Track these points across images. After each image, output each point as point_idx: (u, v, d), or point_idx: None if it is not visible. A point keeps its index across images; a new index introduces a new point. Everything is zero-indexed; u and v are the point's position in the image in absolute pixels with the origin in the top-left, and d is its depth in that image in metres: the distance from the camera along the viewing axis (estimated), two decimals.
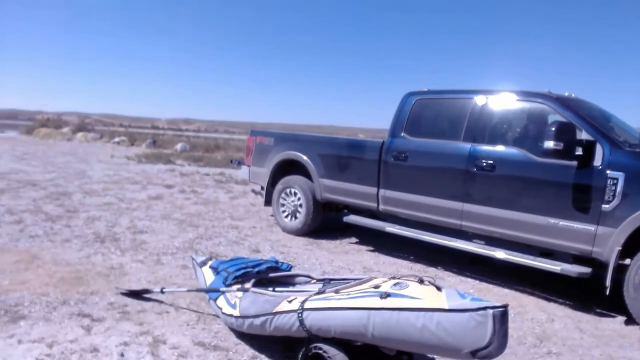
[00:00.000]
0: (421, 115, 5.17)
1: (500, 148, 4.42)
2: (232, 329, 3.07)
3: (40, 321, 3.05)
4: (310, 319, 2.54)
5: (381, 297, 2.41)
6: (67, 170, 10.52)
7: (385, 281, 2.67)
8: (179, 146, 20.38)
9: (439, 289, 2.46)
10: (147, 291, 3.59)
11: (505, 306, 2.16)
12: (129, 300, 3.49)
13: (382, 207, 5.22)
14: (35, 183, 8.40)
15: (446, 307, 2.23)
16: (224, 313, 3.04)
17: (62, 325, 3.01)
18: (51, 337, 2.85)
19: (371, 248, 5.65)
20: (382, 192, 5.18)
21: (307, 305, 2.60)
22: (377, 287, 2.58)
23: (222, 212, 7.15)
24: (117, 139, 22.47)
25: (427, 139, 4.98)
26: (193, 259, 3.91)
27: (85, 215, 6.17)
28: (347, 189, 5.52)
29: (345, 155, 5.65)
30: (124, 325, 3.08)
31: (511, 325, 2.73)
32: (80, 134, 23.60)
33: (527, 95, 4.49)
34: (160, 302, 3.50)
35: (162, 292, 3.51)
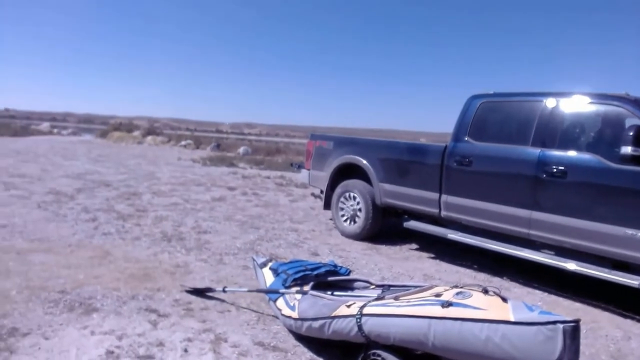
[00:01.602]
0: (486, 118, 5.00)
1: (572, 153, 4.19)
2: (291, 331, 3.09)
3: (111, 314, 3.21)
4: (369, 325, 2.51)
5: (443, 306, 2.35)
6: (138, 172, 11.08)
7: (447, 290, 2.60)
8: (241, 149, 20.92)
9: (504, 300, 2.36)
10: (210, 289, 3.69)
11: (576, 321, 2.04)
12: (193, 297, 3.61)
13: (444, 213, 5.09)
14: (109, 183, 8.91)
15: (512, 319, 2.14)
16: (283, 314, 3.07)
17: (131, 319, 3.16)
18: (121, 329, 2.99)
19: (432, 255, 5.52)
20: (444, 197, 5.05)
21: (366, 310, 2.57)
22: (438, 295, 2.52)
23: (282, 214, 7.25)
24: (183, 142, 23.41)
25: (492, 143, 4.80)
26: (254, 260, 3.99)
27: (153, 214, 6.46)
28: (408, 194, 5.43)
29: (406, 160, 5.57)
30: (188, 322, 3.18)
31: (583, 341, 2.57)
32: (149, 138, 24.78)
33: (601, 97, 4.23)
34: (222, 300, 3.59)
35: (224, 291, 3.60)
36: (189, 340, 2.93)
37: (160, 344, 2.84)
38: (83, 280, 3.78)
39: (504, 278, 4.77)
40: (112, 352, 2.69)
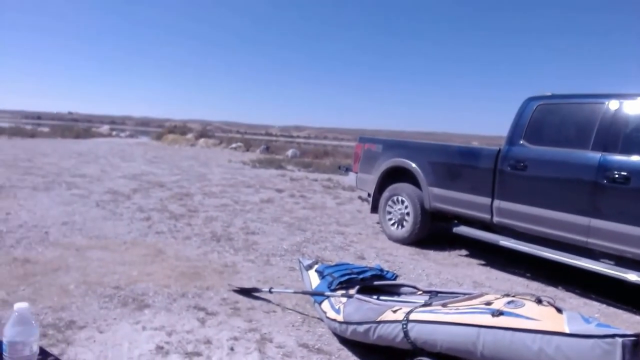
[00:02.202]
0: (543, 121, 4.80)
1: (636, 158, 3.94)
2: (336, 334, 3.07)
3: (162, 311, 3.31)
4: (416, 331, 2.46)
5: (493, 315, 2.27)
6: (190, 173, 11.42)
7: (498, 298, 2.52)
8: (290, 152, 21.13)
9: (559, 310, 2.25)
10: (256, 290, 3.74)
11: (637, 335, 1.91)
12: (240, 297, 3.66)
13: (496, 219, 4.92)
14: (163, 184, 9.22)
15: (567, 331, 2.03)
16: (328, 317, 3.06)
17: (181, 316, 3.24)
18: (171, 326, 3.08)
19: (482, 262, 5.35)
20: (496, 203, 4.89)
21: (412, 316, 2.53)
22: (489, 303, 2.44)
23: (329, 217, 7.25)
24: (234, 145, 23.93)
25: (549, 147, 4.60)
26: (300, 261, 4.01)
27: (204, 215, 6.63)
28: (458, 199, 5.29)
29: (457, 164, 5.43)
30: (235, 321, 3.23)
31: None
32: (202, 140, 25.50)
33: None
34: (268, 301, 3.63)
35: (270, 291, 3.63)
36: (235, 339, 2.97)
37: (208, 342, 2.90)
38: (136, 277, 3.92)
39: (559, 288, 4.55)
40: (162, 348, 2.77)
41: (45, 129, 29.24)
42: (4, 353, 1.03)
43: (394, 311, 2.65)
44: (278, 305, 3.58)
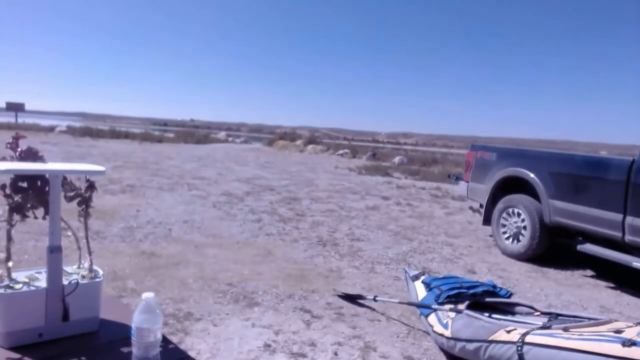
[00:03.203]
0: None
1: None
2: (442, 349, 2.94)
3: (270, 310, 3.42)
4: (532, 355, 2.27)
5: (624, 345, 2.02)
6: (298, 178, 11.76)
7: (630, 327, 2.24)
8: (396, 159, 20.92)
9: None
10: (361, 297, 3.71)
11: None
12: (344, 302, 3.66)
13: (628, 237, 4.40)
14: (273, 188, 9.61)
15: None
16: (434, 331, 2.95)
17: (287, 317, 3.32)
18: (278, 325, 3.16)
19: (612, 285, 4.81)
20: (629, 219, 4.37)
21: (528, 339, 2.33)
22: (618, 332, 2.17)
23: (437, 227, 7.02)
24: (341, 152, 24.26)
25: None
26: (406, 271, 3.91)
27: (311, 219, 6.77)
28: (583, 213, 4.82)
29: (582, 175, 4.96)
30: (339, 326, 3.23)
31: None
32: (310, 146, 26.21)
33: None
34: (373, 309, 3.58)
35: (375, 300, 3.59)
36: (339, 344, 2.97)
37: (313, 344, 2.93)
38: (247, 276, 4.10)
39: None
40: (269, 346, 2.85)
41: (171, 135, 32.04)
42: (132, 337, 1.11)
43: (508, 331, 2.48)
44: (382, 314, 3.52)
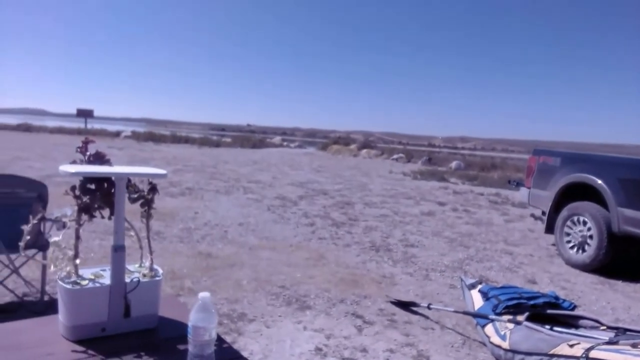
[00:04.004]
0: None
1: None
2: None
3: (322, 314, 3.42)
4: None
5: None
6: (352, 183, 11.75)
7: None
8: (453, 164, 20.46)
9: None
10: (414, 304, 3.65)
11: None
12: (397, 309, 3.61)
13: None
14: (326, 192, 9.64)
15: None
16: (491, 342, 2.85)
17: (339, 321, 3.31)
18: (329, 329, 3.16)
19: None
20: None
21: (593, 354, 2.21)
22: None
23: (496, 234, 6.79)
24: (395, 156, 24.01)
25: None
26: (462, 279, 3.81)
27: (364, 224, 6.74)
28: None
29: None
30: (391, 333, 3.19)
31: None
32: (364, 151, 26.14)
33: None
34: (426, 317, 3.51)
35: (428, 307, 3.51)
36: (391, 351, 2.92)
37: (364, 350, 2.90)
38: (300, 279, 4.13)
39: None
40: (321, 350, 2.85)
41: (228, 139, 32.94)
42: (188, 335, 1.14)
43: (571, 345, 2.36)
44: (436, 322, 3.44)
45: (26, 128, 27.42)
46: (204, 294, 1.17)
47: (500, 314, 3.00)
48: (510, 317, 2.93)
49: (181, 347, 1.23)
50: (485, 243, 6.17)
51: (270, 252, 4.91)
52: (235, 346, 2.79)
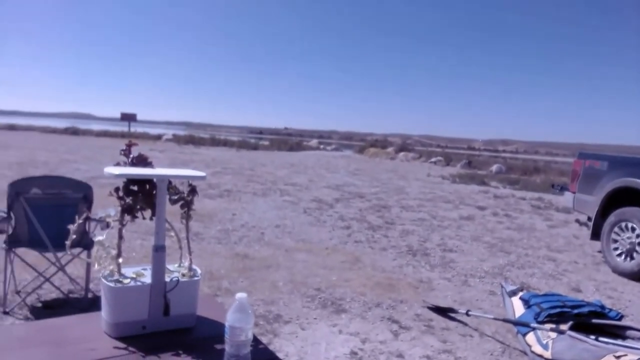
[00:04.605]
0: None
1: None
2: None
3: (357, 317, 3.40)
4: None
5: None
6: (389, 186, 11.65)
7: None
8: (494, 167, 20.00)
9: None
10: (452, 310, 3.58)
11: None
12: (434, 315, 3.55)
13: None
14: (362, 195, 9.60)
15: None
16: (532, 351, 2.76)
17: (374, 326, 3.29)
18: (365, 334, 3.14)
19: None
20: None
21: None
22: None
23: (538, 240, 6.58)
24: (433, 159, 23.67)
25: None
26: (502, 286, 3.70)
27: (400, 228, 6.67)
28: None
29: None
30: (428, 339, 3.13)
31: None
32: (401, 154, 25.89)
33: None
34: (465, 324, 3.43)
35: (467, 314, 3.43)
36: (428, 357, 2.88)
37: (400, 355, 2.87)
38: (335, 282, 4.13)
39: None
40: (356, 354, 2.84)
41: (265, 143, 33.33)
42: (225, 335, 1.16)
43: (617, 357, 2.27)
44: (475, 329, 3.36)
45: (73, 131, 28.58)
46: (241, 295, 1.18)
47: (542, 323, 2.90)
48: (553, 326, 2.83)
49: (218, 346, 1.25)
50: (527, 249, 5.99)
51: (306, 255, 4.92)
52: (271, 347, 2.81)
